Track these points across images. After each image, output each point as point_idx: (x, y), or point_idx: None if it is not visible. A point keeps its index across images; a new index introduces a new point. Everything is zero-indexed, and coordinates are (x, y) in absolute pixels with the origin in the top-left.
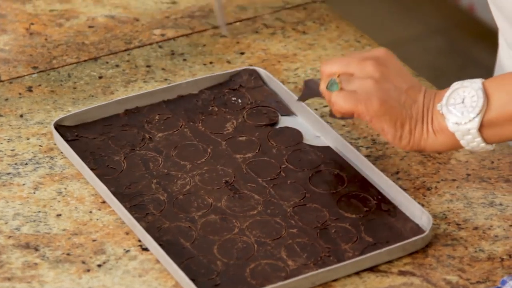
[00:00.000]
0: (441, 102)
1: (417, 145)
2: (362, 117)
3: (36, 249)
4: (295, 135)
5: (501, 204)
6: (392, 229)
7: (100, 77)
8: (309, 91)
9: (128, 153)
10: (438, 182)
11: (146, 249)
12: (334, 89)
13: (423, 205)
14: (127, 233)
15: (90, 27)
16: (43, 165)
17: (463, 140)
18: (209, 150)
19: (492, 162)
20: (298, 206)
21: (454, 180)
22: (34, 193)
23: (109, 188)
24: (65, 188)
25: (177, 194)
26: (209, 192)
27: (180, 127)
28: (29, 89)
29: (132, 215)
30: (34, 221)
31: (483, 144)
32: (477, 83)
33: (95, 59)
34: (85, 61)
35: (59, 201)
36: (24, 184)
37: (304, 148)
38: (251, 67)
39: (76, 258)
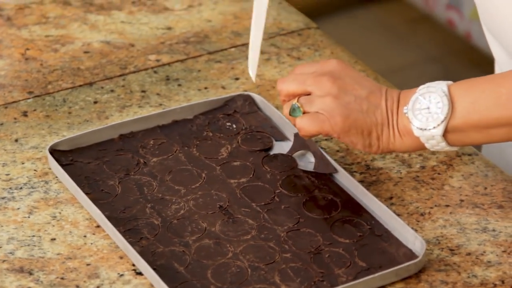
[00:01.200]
0: (407, 106)
1: (386, 149)
2: (329, 135)
3: (30, 273)
4: (289, 160)
5: (494, 230)
6: (385, 254)
7: (95, 102)
8: (298, 142)
9: (122, 177)
10: (431, 207)
11: (140, 273)
12: (297, 114)
13: (416, 231)
14: (121, 257)
15: (85, 52)
16: (38, 189)
17: (427, 143)
18: (203, 175)
19: (485, 188)
20: (292, 231)
21: (447, 205)
22: (29, 217)
23: (103, 212)
24: (60, 213)
25: (171, 219)
26: (203, 216)
27: (175, 152)
28: (24, 114)
29: (126, 239)
30: (29, 245)
31: (447, 148)
32: (443, 88)
33: (90, 84)
34: (80, 86)
35: (53, 225)
36: (18, 209)
37: (298, 173)
38: (245, 93)
39: (70, 282)
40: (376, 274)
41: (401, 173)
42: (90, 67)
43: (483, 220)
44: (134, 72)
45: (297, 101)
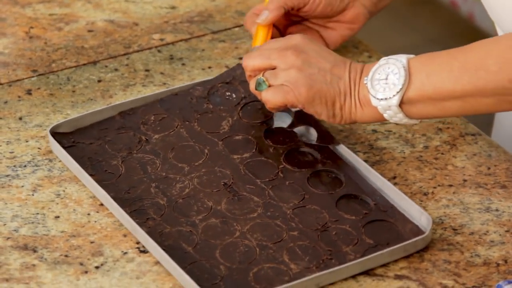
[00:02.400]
0: (367, 76)
1: (349, 119)
2: (294, 106)
3: (34, 251)
4: (291, 134)
5: (497, 210)
6: (392, 230)
7: (99, 81)
8: (299, 117)
9: (125, 156)
10: (434, 187)
11: (143, 251)
12: (263, 88)
13: (424, 207)
14: (125, 235)
15: (89, 31)
16: (42, 167)
17: (385, 114)
18: (206, 151)
19: (489, 168)
20: (298, 208)
21: (450, 185)
22: (33, 195)
23: (108, 193)
24: (64, 191)
25: (177, 198)
26: (208, 195)
27: (176, 127)
28: (28, 92)
29: (134, 220)
30: (33, 222)
31: (405, 119)
32: (402, 60)
33: (94, 63)
34: (84, 64)
35: (57, 203)
36: (22, 186)
37: (300, 146)
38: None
39: (74, 260)
40: (384, 250)
41: (404, 152)
42: (94, 46)
43: (486, 200)
44: (138, 51)
45: (262, 75)
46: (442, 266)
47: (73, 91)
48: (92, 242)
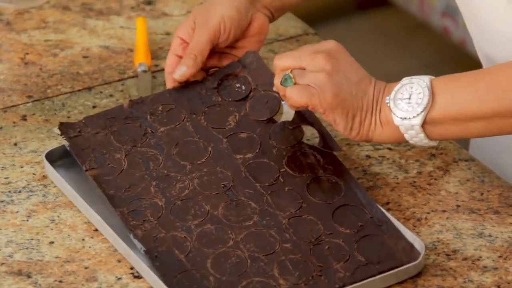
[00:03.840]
0: (390, 96)
1: (365, 136)
2: (316, 109)
3: (29, 276)
4: (296, 132)
5: (490, 235)
6: (384, 247)
7: (94, 107)
8: (299, 117)
9: (129, 150)
10: (428, 213)
11: (138, 277)
12: (288, 84)
13: (417, 233)
14: (119, 261)
15: (84, 57)
16: (37, 193)
17: (406, 134)
18: (209, 148)
19: (482, 194)
20: (294, 218)
21: (444, 211)
22: (27, 220)
23: (108, 191)
24: (58, 216)
25: (175, 199)
26: (207, 198)
27: (183, 120)
28: (24, 118)
29: (130, 221)
30: (27, 248)
31: (426, 140)
32: (425, 80)
33: (89, 88)
34: (79, 90)
35: (52, 229)
36: (17, 212)
37: (303, 149)
38: (253, 50)
39: (69, 286)
40: (376, 277)
41: (398, 178)
42: (89, 72)
43: (479, 225)
44: (133, 77)
45: (290, 72)
46: None
47: (68, 117)
48: (86, 268)
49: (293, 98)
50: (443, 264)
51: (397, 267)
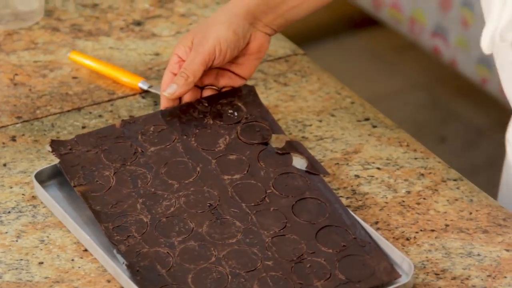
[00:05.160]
0: None
1: None
2: None
3: None
4: (285, 158)
5: (479, 255)
6: (366, 267)
7: (83, 127)
8: (290, 147)
9: (118, 168)
10: (417, 232)
11: None
12: None
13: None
14: (108, 281)
15: (73, 78)
16: (26, 213)
17: None
18: (198, 169)
19: (470, 213)
20: (277, 237)
21: (433, 230)
22: (17, 241)
23: (95, 206)
24: (48, 236)
25: (161, 217)
26: (192, 216)
27: (173, 141)
28: (13, 139)
29: (114, 237)
30: (16, 269)
31: None
32: None
33: (79, 109)
34: (68, 111)
35: (41, 249)
36: (6, 232)
37: (291, 171)
38: (250, 85)
39: None
40: None
41: (387, 198)
42: (78, 93)
43: (468, 244)
44: (122, 97)
45: None
46: None
47: (58, 137)
48: None
49: None
50: (432, 283)
51: (377, 286)
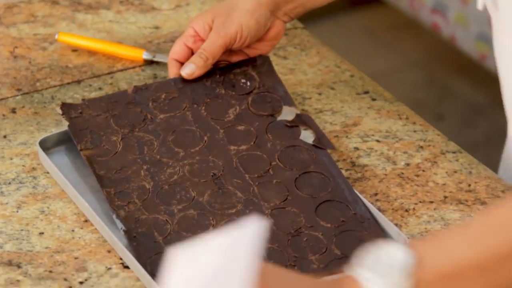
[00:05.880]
0: (364, 268)
1: None
2: None
3: (19, 266)
4: (293, 130)
5: None
6: (362, 243)
7: (83, 100)
8: (299, 119)
9: (126, 134)
10: (416, 203)
11: (127, 267)
12: None
13: (401, 226)
14: (109, 251)
15: (73, 50)
16: (26, 184)
17: None
18: (205, 138)
19: (469, 185)
20: (277, 209)
21: (431, 202)
22: (17, 211)
23: (99, 171)
24: (48, 207)
25: (163, 184)
26: (195, 184)
27: (183, 109)
28: (13, 111)
29: (115, 202)
30: (17, 239)
31: None
32: (403, 238)
33: (78, 82)
34: (68, 83)
35: (41, 220)
36: (7, 203)
37: (298, 144)
38: (265, 55)
39: (58, 275)
40: None
41: (386, 170)
42: (78, 65)
43: (466, 216)
44: (122, 70)
45: None
46: None
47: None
48: (76, 258)
49: None
50: None
51: None
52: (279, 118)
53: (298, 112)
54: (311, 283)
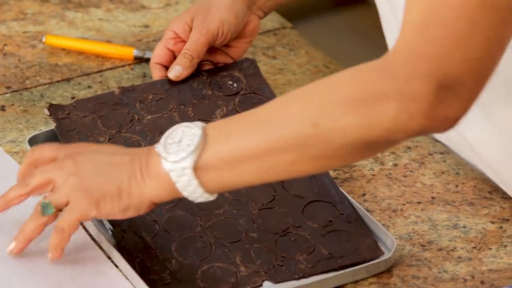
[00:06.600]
0: (159, 143)
1: (139, 202)
2: (89, 215)
3: None
4: None
5: (464, 227)
6: (350, 243)
7: (73, 98)
8: None
9: (113, 134)
10: (403, 204)
11: (116, 266)
12: (51, 212)
13: (388, 227)
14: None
15: (63, 49)
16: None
17: (179, 183)
18: None
19: (457, 186)
20: (264, 209)
21: (419, 202)
22: None
23: None
24: None
25: None
26: None
27: (170, 110)
28: (2, 108)
29: None
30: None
31: (201, 190)
32: (197, 124)
33: (68, 80)
34: (58, 81)
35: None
36: None
37: None
38: (252, 58)
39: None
40: (347, 270)
41: (374, 170)
42: (67, 63)
43: (454, 217)
44: (111, 68)
45: (45, 199)
46: (410, 281)
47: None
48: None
49: (66, 226)
50: (418, 254)
51: (359, 262)
52: None
53: None
54: (114, 148)
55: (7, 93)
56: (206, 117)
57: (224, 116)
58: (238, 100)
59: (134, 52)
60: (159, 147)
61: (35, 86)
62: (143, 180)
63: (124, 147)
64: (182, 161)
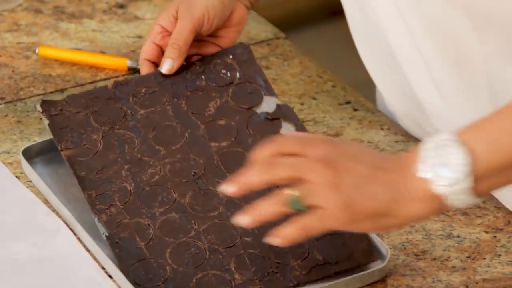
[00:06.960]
0: (422, 167)
1: (401, 223)
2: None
3: None
4: (274, 124)
5: (458, 236)
6: (344, 247)
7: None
8: (280, 112)
9: (107, 131)
10: None
11: (109, 276)
12: (299, 208)
13: (382, 236)
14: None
15: (56, 60)
16: None
17: (457, 201)
18: (186, 134)
19: None
20: None
21: None
22: None
23: (80, 172)
24: None
25: (144, 185)
26: (176, 185)
27: (164, 103)
28: None
29: (96, 205)
30: None
31: (471, 198)
32: (452, 137)
33: (62, 90)
34: (51, 92)
35: None
36: None
37: None
38: (245, 43)
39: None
40: (341, 279)
41: None
42: (61, 74)
43: (448, 226)
44: (105, 79)
45: (295, 193)
46: None
47: (41, 118)
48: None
49: (308, 228)
50: (412, 264)
51: (353, 268)
52: (260, 109)
53: (279, 102)
54: (374, 156)
55: (0, 104)
56: (200, 111)
57: (218, 108)
58: (231, 91)
59: (128, 63)
60: (425, 172)
61: (29, 97)
62: (404, 201)
63: (377, 155)
64: (462, 184)
